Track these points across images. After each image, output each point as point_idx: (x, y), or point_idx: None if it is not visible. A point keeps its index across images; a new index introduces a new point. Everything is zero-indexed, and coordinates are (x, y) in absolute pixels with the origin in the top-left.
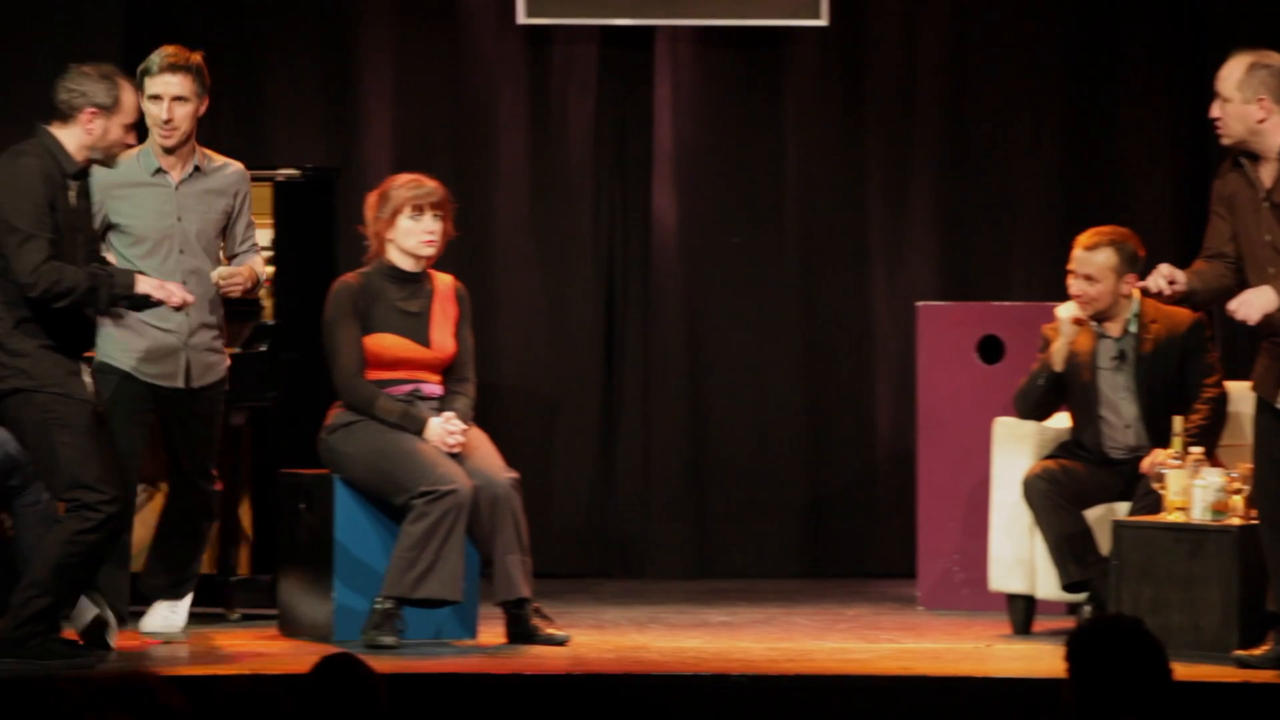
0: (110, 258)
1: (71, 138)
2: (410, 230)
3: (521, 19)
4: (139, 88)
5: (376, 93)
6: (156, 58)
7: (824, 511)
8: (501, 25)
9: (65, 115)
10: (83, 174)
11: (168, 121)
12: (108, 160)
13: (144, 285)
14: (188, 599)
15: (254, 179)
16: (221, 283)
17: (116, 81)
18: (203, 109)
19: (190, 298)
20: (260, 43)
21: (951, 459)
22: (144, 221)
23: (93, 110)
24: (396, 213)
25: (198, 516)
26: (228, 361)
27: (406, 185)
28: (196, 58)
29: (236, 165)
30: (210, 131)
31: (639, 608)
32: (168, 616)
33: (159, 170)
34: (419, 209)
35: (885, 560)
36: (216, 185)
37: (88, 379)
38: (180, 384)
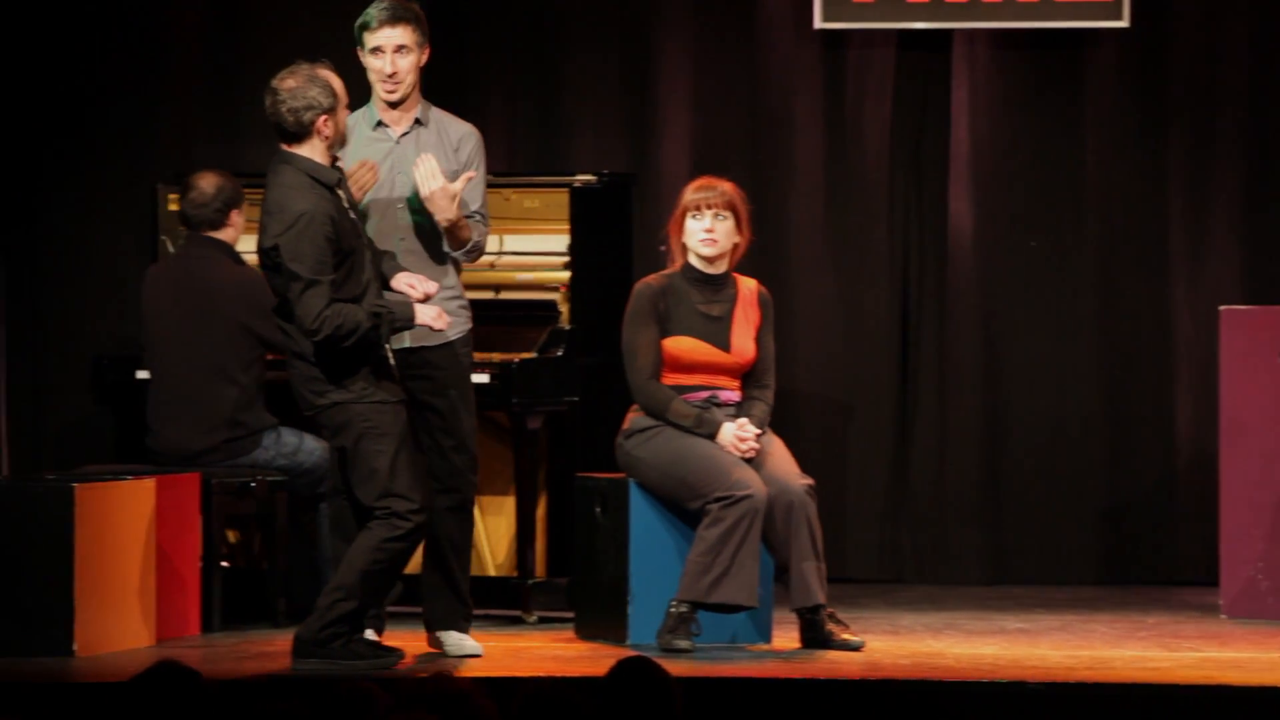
0: None
1: (314, 149)
2: (692, 230)
3: (818, 24)
4: (357, 43)
5: (674, 98)
6: (374, 10)
7: (1123, 517)
8: (798, 30)
9: (300, 135)
10: (341, 180)
11: (392, 75)
12: (343, 145)
13: (423, 316)
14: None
15: (551, 184)
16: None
17: (323, 76)
18: (424, 58)
19: (450, 319)
20: (559, 49)
21: (1256, 465)
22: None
23: (324, 117)
24: (684, 214)
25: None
26: (466, 319)
27: (694, 187)
28: (414, 5)
29: (467, 124)
30: (508, 136)
31: (935, 614)
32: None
33: (380, 124)
34: (699, 208)
35: (1187, 567)
36: (440, 140)
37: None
38: (407, 343)
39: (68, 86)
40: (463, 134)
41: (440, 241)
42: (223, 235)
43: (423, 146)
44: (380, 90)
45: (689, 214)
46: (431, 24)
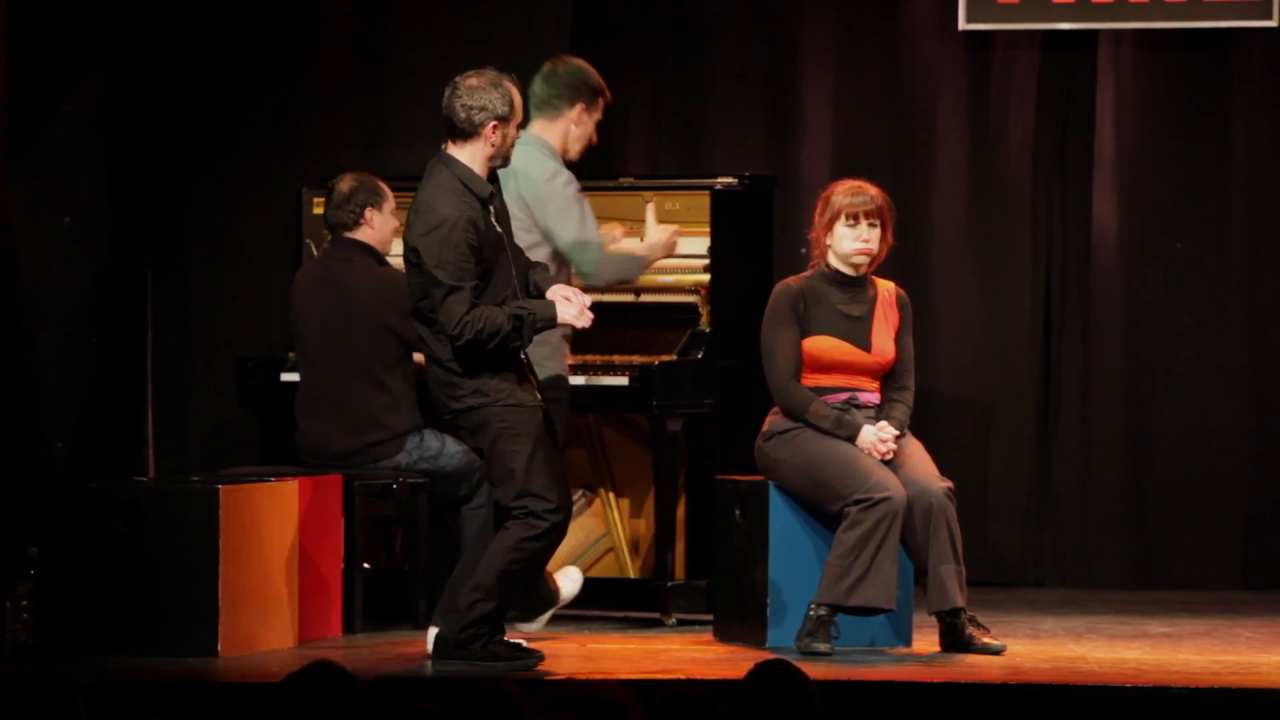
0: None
1: (475, 154)
2: (845, 236)
3: (963, 25)
4: (583, 97)
5: (816, 100)
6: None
7: (1270, 521)
8: (942, 31)
9: (467, 133)
10: (494, 193)
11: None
12: (505, 163)
13: (565, 315)
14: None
15: (692, 187)
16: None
17: (507, 87)
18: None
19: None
20: (701, 51)
21: None
22: None
23: (495, 123)
24: (835, 219)
25: None
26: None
27: (846, 192)
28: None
29: None
30: (650, 139)
31: (1077, 617)
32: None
33: None
34: (855, 217)
35: None
36: None
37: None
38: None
39: (214, 92)
40: None
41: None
42: (363, 235)
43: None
44: (578, 150)
45: (842, 219)
46: (576, 25)
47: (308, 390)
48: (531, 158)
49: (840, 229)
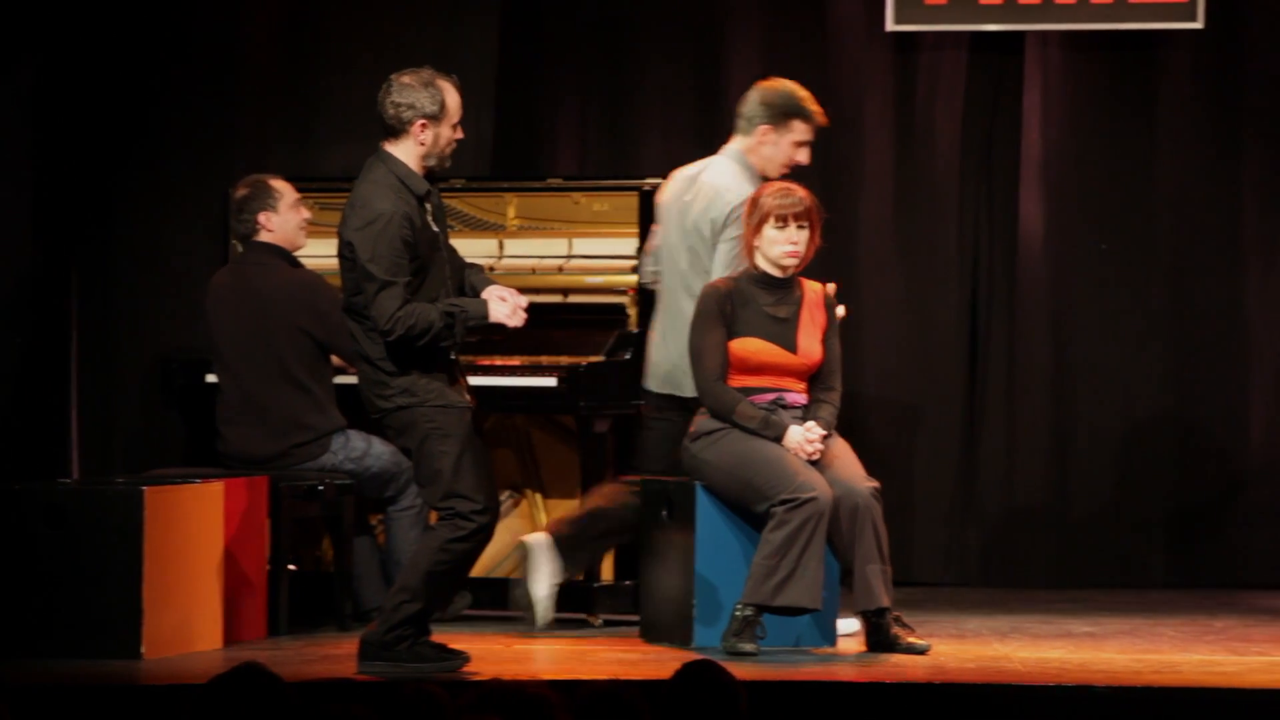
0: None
1: (409, 152)
2: (774, 239)
3: (890, 26)
4: (770, 119)
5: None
6: (813, 107)
7: (1192, 521)
8: (870, 33)
9: (397, 131)
10: (431, 192)
11: (799, 165)
12: (442, 163)
13: (496, 313)
14: None
15: (620, 188)
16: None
17: (438, 85)
18: None
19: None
20: (630, 53)
21: None
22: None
23: (423, 121)
24: (763, 221)
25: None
26: None
27: (774, 194)
28: None
29: None
30: (578, 140)
31: (1001, 617)
32: None
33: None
34: (783, 219)
35: (1256, 571)
36: None
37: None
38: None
39: (141, 91)
40: None
41: None
42: (266, 239)
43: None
44: (777, 172)
45: (770, 222)
46: (505, 25)
47: (228, 396)
48: (723, 168)
49: (769, 231)
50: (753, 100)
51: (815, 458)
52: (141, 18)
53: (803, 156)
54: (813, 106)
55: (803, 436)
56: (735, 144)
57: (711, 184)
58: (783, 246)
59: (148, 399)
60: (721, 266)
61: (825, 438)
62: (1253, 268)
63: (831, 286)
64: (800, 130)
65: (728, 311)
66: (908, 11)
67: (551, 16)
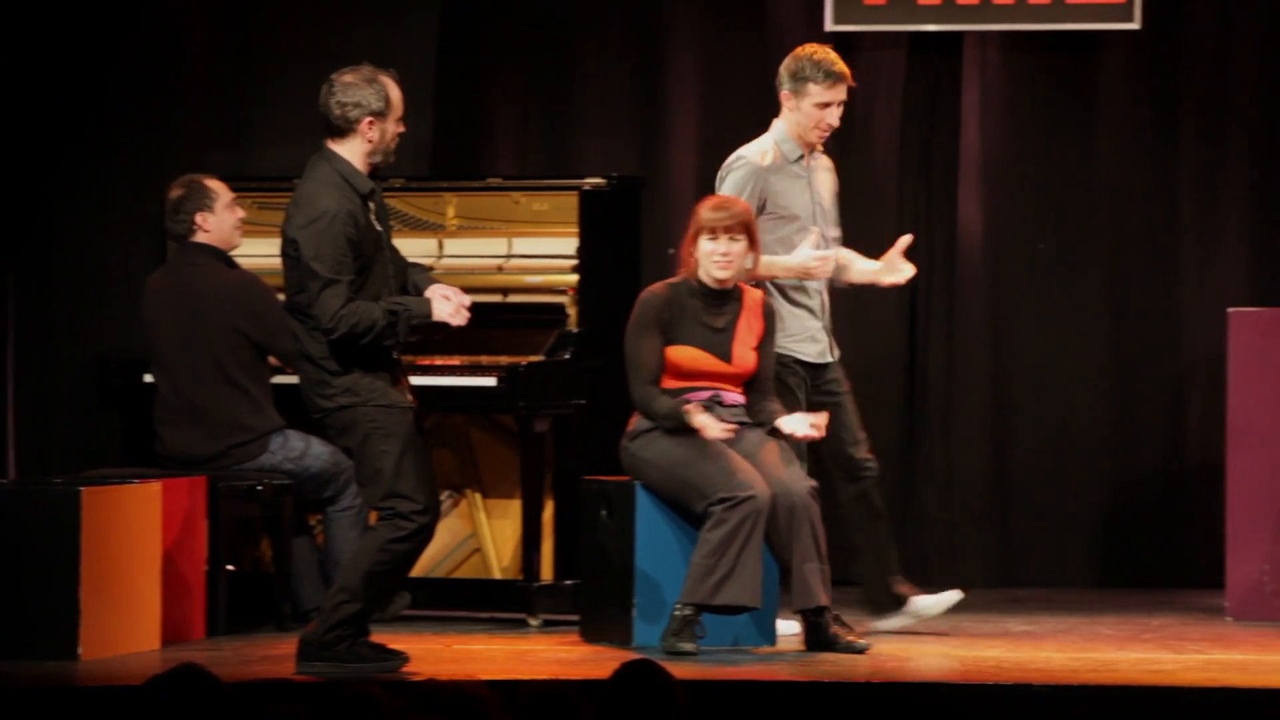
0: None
1: (355, 150)
2: (707, 251)
3: (829, 26)
4: (789, 87)
5: (684, 101)
6: (824, 67)
7: (1129, 520)
8: (809, 33)
9: (343, 130)
10: (375, 191)
11: (831, 127)
12: (387, 159)
13: (440, 312)
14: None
15: (560, 188)
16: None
17: (381, 81)
18: None
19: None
20: (569, 52)
21: (1263, 468)
22: (796, 203)
23: (370, 119)
24: (698, 233)
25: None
26: None
27: (709, 207)
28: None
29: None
30: (518, 139)
31: (939, 616)
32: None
33: (800, 158)
34: (714, 231)
35: (1192, 570)
36: (823, 166)
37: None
38: (829, 358)
39: (78, 92)
40: (830, 165)
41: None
42: (201, 239)
43: (820, 177)
44: (813, 136)
45: (703, 234)
46: (444, 25)
47: (165, 397)
48: (756, 141)
49: (704, 243)
50: (782, 69)
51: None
52: (77, 17)
53: (830, 118)
54: (828, 66)
55: (800, 421)
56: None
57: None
58: (714, 259)
59: (85, 399)
60: None
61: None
62: (1189, 267)
63: (906, 239)
64: (816, 92)
65: (665, 320)
66: (847, 12)
67: (491, 16)
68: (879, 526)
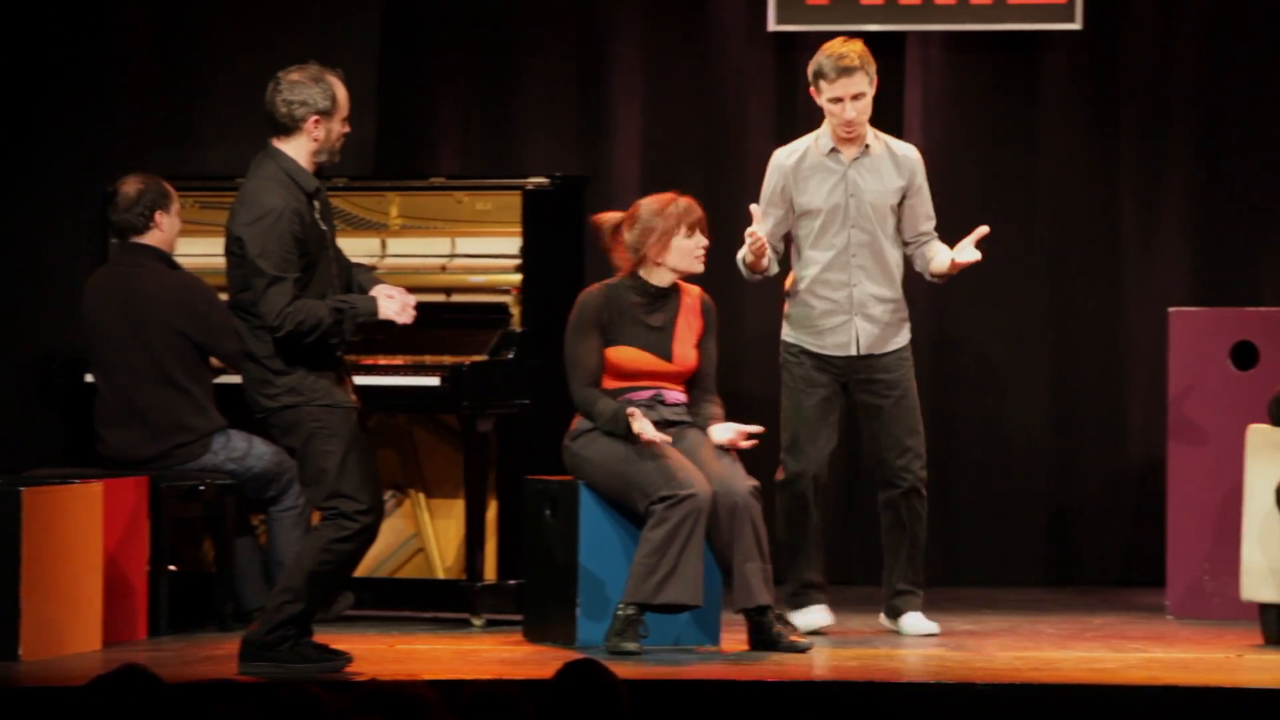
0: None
1: (300, 149)
2: (687, 249)
3: (772, 26)
4: (812, 85)
5: (627, 101)
6: (829, 61)
7: (1071, 519)
8: (752, 33)
9: (289, 128)
10: (320, 189)
11: (849, 122)
12: (332, 158)
13: (386, 310)
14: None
15: (503, 187)
16: None
17: (328, 80)
18: (873, 90)
19: (413, 314)
20: (512, 51)
21: (1203, 466)
22: (817, 198)
23: (316, 117)
24: (672, 233)
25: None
26: (907, 330)
27: (682, 205)
28: (859, 46)
29: (909, 145)
30: (460, 138)
31: (882, 615)
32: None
33: (833, 150)
34: (694, 229)
35: (1134, 568)
36: (893, 162)
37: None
38: (853, 351)
39: (19, 90)
40: (911, 155)
41: (885, 255)
42: (151, 239)
43: (870, 170)
44: (840, 132)
45: (679, 233)
46: (386, 25)
47: (107, 398)
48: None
49: (680, 241)
50: None
51: (747, 444)
52: (18, 13)
53: (846, 112)
54: (835, 61)
55: (730, 431)
56: None
57: None
58: (694, 253)
59: (26, 398)
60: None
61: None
62: (1130, 267)
63: (983, 229)
64: (826, 88)
65: (604, 320)
66: (789, 12)
67: (433, 16)
68: (895, 537)
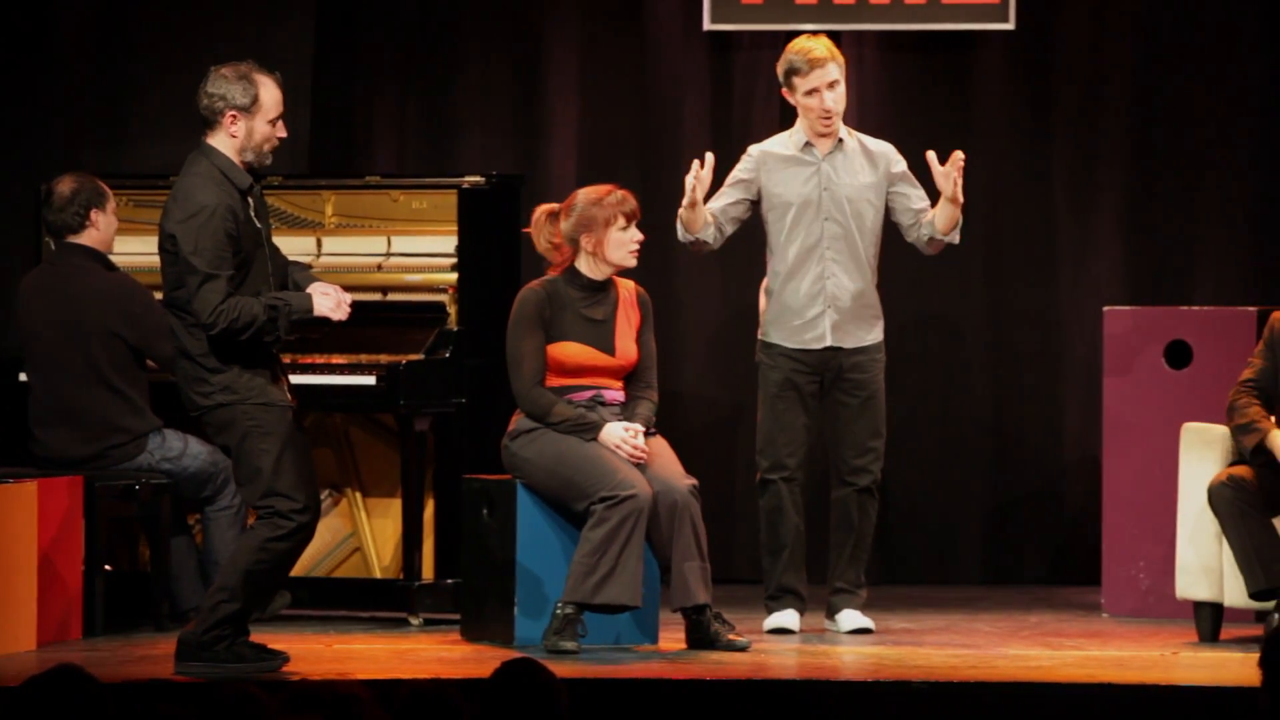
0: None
1: (227, 145)
2: (622, 242)
3: (707, 25)
4: (784, 85)
5: (562, 100)
6: (797, 58)
7: (1008, 517)
8: (687, 32)
9: (210, 122)
10: (254, 186)
11: (827, 113)
12: (260, 160)
13: (321, 307)
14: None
15: (439, 186)
16: None
17: (254, 79)
18: (843, 80)
19: (348, 311)
20: (448, 49)
21: (1138, 465)
22: (790, 190)
23: (233, 114)
24: (609, 225)
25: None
26: (880, 329)
27: (623, 197)
28: (825, 40)
29: (885, 143)
30: (396, 137)
31: (820, 614)
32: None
33: (807, 144)
34: (630, 220)
35: (1069, 567)
36: (866, 158)
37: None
38: (827, 342)
39: None
40: (886, 150)
41: (858, 249)
42: (87, 238)
43: (844, 165)
44: (819, 126)
45: (616, 225)
46: (321, 23)
47: (41, 399)
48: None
49: (616, 234)
50: None
51: (639, 458)
52: None
53: (826, 102)
54: (805, 54)
55: (621, 435)
56: None
57: None
58: (629, 247)
59: None
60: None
61: (645, 434)
62: (1064, 266)
63: (959, 156)
64: (800, 83)
65: (546, 316)
66: (724, 11)
67: (368, 14)
68: (841, 536)
